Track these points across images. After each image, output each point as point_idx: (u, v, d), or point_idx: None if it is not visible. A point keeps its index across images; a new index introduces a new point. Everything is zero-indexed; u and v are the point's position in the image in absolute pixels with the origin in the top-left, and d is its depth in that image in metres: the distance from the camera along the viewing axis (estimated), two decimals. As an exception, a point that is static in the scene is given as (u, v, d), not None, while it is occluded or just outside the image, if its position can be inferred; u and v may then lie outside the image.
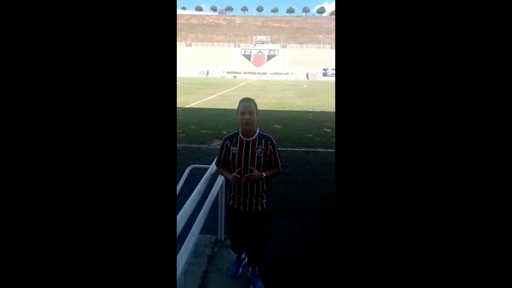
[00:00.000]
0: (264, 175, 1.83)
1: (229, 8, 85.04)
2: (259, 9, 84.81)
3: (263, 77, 46.26)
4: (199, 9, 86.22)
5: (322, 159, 5.30)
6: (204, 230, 2.02)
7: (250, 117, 1.79)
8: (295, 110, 11.56)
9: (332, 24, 66.36)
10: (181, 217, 1.43)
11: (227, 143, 1.89)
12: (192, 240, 1.68)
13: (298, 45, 61.70)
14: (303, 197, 3.71)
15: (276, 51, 58.60)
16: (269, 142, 1.86)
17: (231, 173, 1.88)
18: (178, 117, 8.63)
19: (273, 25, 72.64)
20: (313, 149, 5.93)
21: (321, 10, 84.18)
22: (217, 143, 6.17)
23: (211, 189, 2.24)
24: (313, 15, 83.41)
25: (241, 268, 2.20)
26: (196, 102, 13.11)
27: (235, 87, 23.46)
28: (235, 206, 1.95)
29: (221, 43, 63.23)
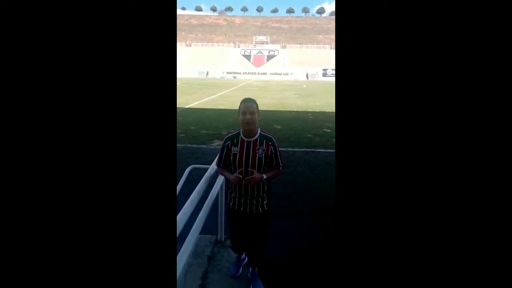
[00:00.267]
0: (265, 176, 1.82)
1: (229, 9, 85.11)
2: (259, 10, 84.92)
3: (263, 77, 46.24)
4: (198, 9, 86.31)
5: (322, 159, 5.30)
6: (204, 230, 2.02)
7: (251, 117, 1.79)
8: (295, 110, 11.56)
9: (331, 25, 66.41)
10: (181, 217, 1.43)
11: (228, 143, 1.89)
12: (192, 240, 1.68)
13: (298, 45, 61.69)
14: (303, 197, 3.71)
15: (276, 51, 58.58)
16: (270, 143, 1.86)
17: (232, 173, 1.88)
18: (178, 118, 8.63)
19: (273, 25, 72.66)
20: (313, 149, 5.93)
21: (320, 11, 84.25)
22: (217, 144, 6.17)
23: (211, 189, 2.24)
24: (313, 15, 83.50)
25: (241, 268, 2.20)
26: (196, 103, 13.11)
27: (235, 88, 23.46)
28: (236, 207, 1.94)
29: (221, 44, 63.20)
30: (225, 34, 68.31)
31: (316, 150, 5.91)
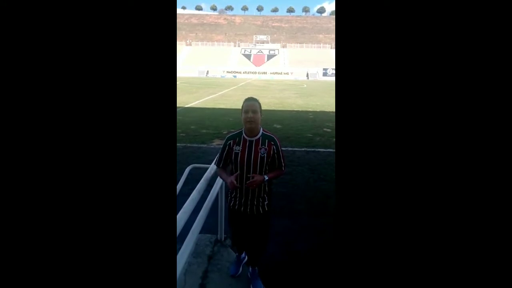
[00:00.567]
0: (266, 178, 1.82)
1: (229, 8, 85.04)
2: (259, 9, 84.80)
3: (263, 76, 46.25)
4: (199, 8, 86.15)
5: (322, 159, 5.30)
6: (204, 230, 2.02)
7: (253, 116, 1.78)
8: (295, 109, 11.56)
9: (332, 24, 66.34)
10: (181, 217, 1.43)
11: (230, 142, 1.88)
12: (192, 239, 1.68)
13: (298, 44, 61.68)
14: (302, 197, 3.71)
15: (276, 50, 58.57)
16: (272, 143, 1.85)
17: (232, 173, 1.88)
18: (178, 117, 8.63)
19: (273, 24, 72.57)
20: (313, 149, 5.93)
21: (321, 10, 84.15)
22: (217, 143, 6.17)
23: (211, 188, 2.24)
24: (313, 15, 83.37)
25: (241, 268, 2.20)
26: (196, 102, 13.11)
27: (235, 87, 23.45)
28: (236, 207, 1.94)
29: (221, 43, 63.17)
30: (225, 33, 68.25)
31: (316, 149, 5.91)
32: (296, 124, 8.52)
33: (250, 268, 2.12)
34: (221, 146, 1.94)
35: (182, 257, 1.52)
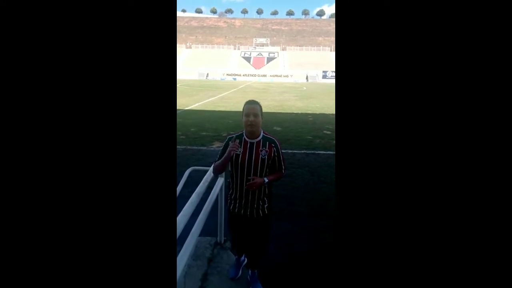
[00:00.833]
0: (266, 180, 1.82)
1: (229, 11, 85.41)
2: (259, 12, 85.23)
3: (263, 79, 46.29)
4: (199, 11, 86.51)
5: (322, 161, 5.31)
6: (203, 232, 2.01)
7: (255, 120, 1.79)
8: (295, 112, 11.58)
9: (331, 27, 66.61)
10: (181, 219, 1.43)
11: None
12: (191, 242, 1.68)
13: (298, 47, 61.84)
14: (302, 199, 3.71)
15: (276, 53, 58.71)
16: (273, 145, 1.86)
17: (231, 177, 1.88)
18: (178, 119, 8.63)
19: (272, 27, 72.87)
20: (312, 151, 5.93)
21: (320, 13, 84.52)
22: (217, 145, 6.17)
23: (210, 191, 2.24)
24: (313, 17, 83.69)
25: (240, 271, 2.20)
26: (196, 104, 13.12)
27: (235, 89, 23.49)
28: (236, 210, 1.94)
29: (221, 46, 63.33)
30: (225, 36, 68.48)
31: (316, 152, 5.91)
32: (296, 126, 8.52)
33: (250, 271, 2.11)
34: (221, 147, 1.94)
35: (182, 259, 1.51)
